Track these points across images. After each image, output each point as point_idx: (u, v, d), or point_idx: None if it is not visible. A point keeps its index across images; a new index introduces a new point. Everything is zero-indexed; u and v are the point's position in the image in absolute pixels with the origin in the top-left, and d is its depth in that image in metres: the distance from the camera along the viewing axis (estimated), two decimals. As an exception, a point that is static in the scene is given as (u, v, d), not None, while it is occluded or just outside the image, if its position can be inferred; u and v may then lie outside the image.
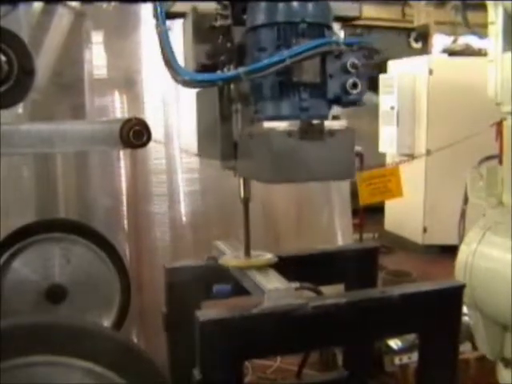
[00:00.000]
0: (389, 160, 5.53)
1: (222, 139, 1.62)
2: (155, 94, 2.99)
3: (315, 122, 1.41)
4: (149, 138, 1.97)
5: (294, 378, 2.16)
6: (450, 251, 4.84)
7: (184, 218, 3.17)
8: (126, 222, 3.06)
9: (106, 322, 2.24)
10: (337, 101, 1.49)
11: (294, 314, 1.47)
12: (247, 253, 1.79)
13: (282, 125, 1.41)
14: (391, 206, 5.66)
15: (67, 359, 1.16)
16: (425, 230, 5.23)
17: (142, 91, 2.99)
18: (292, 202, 3.34)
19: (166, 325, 1.91)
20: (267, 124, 1.42)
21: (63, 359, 1.15)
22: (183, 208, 3.16)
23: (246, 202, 1.78)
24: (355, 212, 4.10)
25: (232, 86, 1.60)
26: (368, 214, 5.21)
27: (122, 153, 2.98)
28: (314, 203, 3.47)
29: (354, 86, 1.46)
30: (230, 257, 1.81)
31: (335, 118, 1.49)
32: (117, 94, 2.99)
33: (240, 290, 1.71)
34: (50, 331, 1.17)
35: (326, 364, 2.91)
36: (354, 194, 3.78)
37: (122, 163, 3.04)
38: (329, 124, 1.43)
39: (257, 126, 1.48)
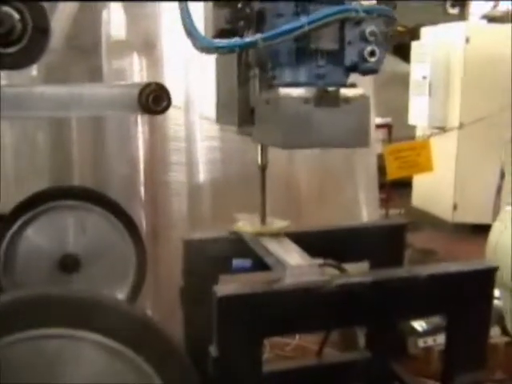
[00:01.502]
0: (419, 133, 5.47)
1: (240, 105, 1.67)
2: (175, 57, 2.97)
3: (330, 89, 1.46)
4: (168, 104, 1.96)
5: (314, 356, 2.17)
6: (482, 230, 4.80)
7: (203, 188, 3.17)
8: (142, 190, 3.08)
9: (120, 295, 2.25)
10: (354, 68, 1.54)
11: (317, 291, 1.46)
12: (263, 220, 1.84)
13: (297, 91, 1.46)
14: (420, 181, 5.60)
15: (80, 333, 1.17)
16: (455, 207, 5.18)
17: (162, 54, 2.97)
18: (315, 175, 3.32)
19: (183, 299, 1.92)
20: (283, 90, 1.47)
21: (76, 332, 1.16)
22: (202, 177, 3.16)
23: (263, 168, 1.84)
24: (382, 186, 4.07)
25: (250, 52, 1.63)
26: (395, 189, 5.17)
27: (139, 118, 2.98)
28: (339, 176, 3.45)
29: (372, 54, 1.50)
30: (245, 223, 1.86)
31: (352, 85, 1.54)
32: (135, 57, 2.97)
33: (260, 265, 1.71)
34: (63, 304, 1.18)
35: (347, 343, 2.92)
36: (381, 168, 3.75)
37: (140, 129, 3.05)
38: (344, 91, 1.48)
39: (273, 92, 1.52)
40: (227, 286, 1.47)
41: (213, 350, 1.44)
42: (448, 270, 1.57)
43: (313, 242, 1.76)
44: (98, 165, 3.00)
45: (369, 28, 1.48)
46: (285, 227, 1.83)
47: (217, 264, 1.83)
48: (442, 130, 4.89)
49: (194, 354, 1.71)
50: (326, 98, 1.45)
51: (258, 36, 1.45)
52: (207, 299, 1.53)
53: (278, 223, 1.86)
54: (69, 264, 2.23)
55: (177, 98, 2.64)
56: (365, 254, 2.04)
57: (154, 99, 1.92)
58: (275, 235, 1.80)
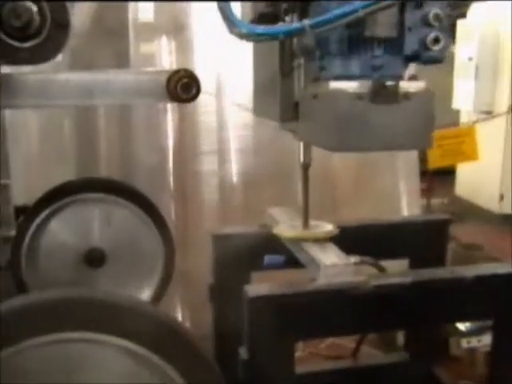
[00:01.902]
0: (464, 118, 5.38)
1: (282, 98, 1.58)
2: (206, 41, 2.96)
3: (389, 83, 1.35)
4: (198, 92, 1.95)
5: (350, 356, 2.15)
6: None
7: (234, 179, 3.17)
8: (171, 181, 3.09)
9: (148, 291, 2.27)
10: (414, 58, 1.42)
11: (353, 292, 1.45)
12: (305, 223, 1.76)
13: (350, 85, 1.35)
14: (464, 169, 5.52)
15: (103, 337, 1.17)
16: (501, 197, 5.09)
17: (192, 38, 2.97)
18: (352, 164, 3.29)
19: (212, 297, 1.92)
20: (334, 84, 1.36)
21: (99, 337, 1.17)
22: (234, 167, 3.16)
23: (305, 167, 1.75)
24: (423, 174, 4.01)
25: (295, 40, 1.52)
26: (437, 177, 5.10)
27: (168, 106, 2.99)
28: (377, 165, 3.41)
29: (436, 40, 1.38)
30: (286, 226, 1.78)
31: (412, 78, 1.43)
32: (164, 41, 2.97)
33: (293, 262, 1.70)
34: (85, 306, 1.18)
35: (385, 341, 2.90)
36: (422, 156, 3.70)
37: (169, 117, 3.05)
38: (404, 85, 1.36)
39: (322, 85, 1.43)
40: (259, 286, 1.47)
41: (243, 352, 1.45)
42: (496, 271, 1.54)
43: (349, 238, 1.74)
44: (125, 155, 3.02)
45: (432, 11, 1.36)
46: (331, 232, 1.73)
47: (248, 260, 1.83)
48: (489, 114, 4.80)
49: (224, 354, 1.73)
50: (384, 94, 1.34)
51: (306, 22, 1.34)
52: (238, 298, 1.53)
53: (322, 227, 1.77)
54: (94, 259, 2.25)
55: (208, 83, 2.65)
56: (404, 251, 2.02)
57: (183, 87, 1.91)
58: (319, 241, 1.70)
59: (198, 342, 1.23)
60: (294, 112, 1.58)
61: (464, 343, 2.82)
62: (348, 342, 2.75)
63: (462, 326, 2.80)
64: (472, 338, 2.82)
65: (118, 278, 2.23)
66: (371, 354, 2.63)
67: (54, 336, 1.15)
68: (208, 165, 3.12)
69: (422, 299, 1.51)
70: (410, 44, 1.39)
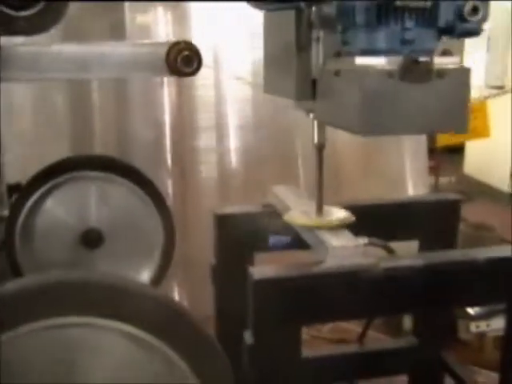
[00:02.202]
0: (474, 93, 5.37)
1: (298, 74, 1.52)
2: (204, 11, 2.94)
3: (422, 59, 1.28)
4: (199, 65, 1.94)
5: (355, 340, 2.17)
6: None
7: (233, 155, 3.18)
8: (168, 158, 3.10)
9: (147, 272, 2.28)
10: (448, 31, 1.35)
11: (362, 275, 1.45)
12: (319, 209, 1.69)
13: (378, 61, 1.28)
14: (473, 147, 5.53)
15: (103, 321, 1.17)
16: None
17: (189, 8, 2.95)
18: (356, 141, 3.28)
19: (214, 278, 1.93)
20: (360, 60, 1.30)
21: (99, 321, 1.17)
22: (233, 143, 3.17)
23: (320, 148, 1.68)
24: (431, 152, 4.01)
25: (314, 8, 1.45)
26: (445, 155, 5.10)
27: (165, 80, 2.98)
28: (383, 142, 3.41)
29: (475, 10, 1.30)
30: (297, 212, 1.73)
31: (445, 52, 1.36)
32: (160, 11, 2.96)
33: (299, 244, 1.70)
34: (84, 290, 1.18)
35: (391, 326, 2.92)
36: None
37: (165, 91, 3.05)
38: (438, 62, 1.30)
39: (345, 61, 1.37)
40: (264, 269, 1.47)
41: (247, 337, 1.45)
42: (509, 253, 1.53)
43: (355, 218, 1.75)
44: (121, 131, 3.02)
45: None
46: (346, 219, 1.67)
47: (252, 240, 1.83)
48: (501, 89, 4.78)
49: (226, 337, 1.74)
50: (416, 71, 1.27)
51: None
52: (241, 279, 1.54)
53: (336, 213, 1.71)
54: (91, 239, 2.25)
55: (205, 56, 2.64)
56: (414, 232, 2.02)
57: (184, 60, 1.90)
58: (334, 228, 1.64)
59: (202, 326, 1.24)
60: (312, 90, 1.52)
61: (473, 327, 2.85)
62: (352, 326, 2.77)
63: (471, 310, 2.83)
64: (481, 322, 2.85)
65: (116, 258, 2.23)
66: (378, 339, 2.65)
67: (52, 321, 1.15)
68: (206, 140, 3.13)
69: (433, 282, 1.51)
70: (445, 15, 1.31)
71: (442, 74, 1.29)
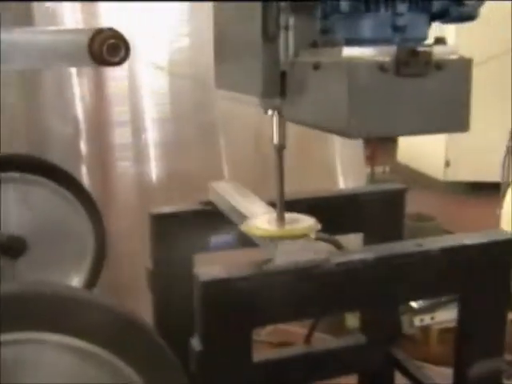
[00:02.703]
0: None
1: (264, 68, 1.41)
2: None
3: (422, 48, 1.19)
4: (127, 54, 1.93)
5: (303, 342, 2.21)
6: (478, 189, 4.91)
7: (152, 150, 3.17)
8: (85, 155, 3.06)
9: (78, 278, 2.25)
10: (442, 15, 1.30)
11: (314, 271, 1.48)
12: (280, 217, 1.63)
13: (367, 52, 1.20)
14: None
15: (44, 335, 1.16)
16: (447, 163, 5.28)
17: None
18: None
19: (152, 284, 1.93)
20: (347, 51, 1.21)
21: (38, 335, 1.15)
22: (151, 137, 3.16)
23: (280, 149, 1.62)
24: (366, 140, 4.10)
25: None
26: (378, 143, 5.22)
27: (73, 70, 2.94)
28: (315, 130, 3.47)
29: None
30: (256, 221, 1.65)
31: (439, 40, 1.25)
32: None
33: (243, 241, 1.73)
34: (19, 302, 1.15)
35: (333, 325, 2.98)
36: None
37: (76, 82, 3.00)
38: (436, 52, 1.21)
39: (325, 52, 1.29)
40: (211, 269, 1.47)
41: (195, 343, 1.45)
42: (463, 242, 1.59)
43: (300, 211, 1.78)
44: (31, 127, 2.95)
45: None
46: (312, 227, 1.59)
47: (191, 241, 1.84)
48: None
49: (168, 346, 1.74)
50: (413, 63, 1.17)
51: None
52: (182, 283, 1.55)
53: (300, 222, 1.64)
54: (13, 247, 2.20)
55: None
56: (357, 224, 2.08)
57: (110, 48, 1.89)
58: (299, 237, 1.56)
59: (156, 335, 1.24)
60: (280, 85, 1.43)
61: (417, 321, 2.94)
62: (292, 328, 2.81)
63: (414, 304, 2.92)
64: (425, 315, 2.94)
65: (42, 267, 2.20)
66: (322, 339, 2.69)
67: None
68: (122, 135, 3.11)
69: (387, 276, 1.56)
70: None
71: (440, 65, 1.21)
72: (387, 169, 5.78)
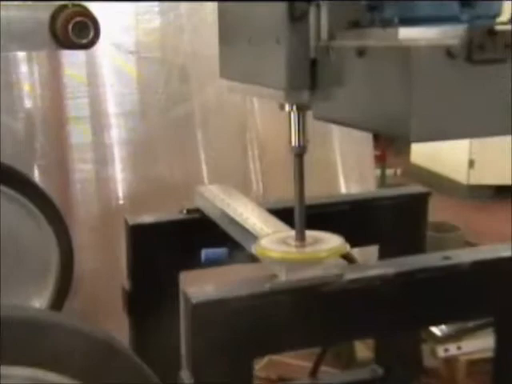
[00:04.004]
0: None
1: (291, 53, 1.36)
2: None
3: (500, 27, 1.11)
4: (96, 35, 1.95)
5: (308, 376, 2.23)
6: (507, 193, 4.91)
7: (116, 149, 3.18)
8: (39, 156, 3.06)
9: (40, 300, 2.26)
10: None
11: (324, 290, 1.50)
12: (300, 236, 1.62)
13: (429, 33, 1.16)
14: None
15: (11, 369, 1.16)
16: (471, 164, 5.29)
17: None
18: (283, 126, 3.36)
19: (130, 306, 1.94)
20: (404, 32, 1.16)
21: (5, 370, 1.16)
22: (115, 134, 3.16)
23: (300, 154, 1.59)
24: (375, 138, 4.12)
25: None
26: (389, 141, 5.24)
27: (23, 56, 2.94)
28: (320, 126, 3.49)
29: None
30: (270, 241, 1.64)
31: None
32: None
33: (239, 256, 1.75)
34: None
35: (341, 356, 2.99)
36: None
37: (25, 69, 3.00)
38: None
39: (375, 34, 1.25)
40: (203, 288, 1.48)
41: (185, 376, 1.46)
42: (499, 254, 1.61)
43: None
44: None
45: None
46: (341, 248, 1.59)
47: (177, 256, 1.86)
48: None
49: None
50: (490, 46, 1.09)
51: None
52: (168, 307, 1.56)
53: (327, 241, 1.63)
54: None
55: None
56: (373, 235, 2.11)
57: (76, 28, 1.90)
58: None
59: (141, 364, 1.25)
60: (310, 76, 1.38)
61: (441, 351, 2.92)
62: (289, 359, 2.83)
63: (436, 330, 2.91)
64: (450, 344, 2.93)
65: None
66: (331, 374, 2.70)
67: None
68: (81, 133, 3.11)
69: (407, 295, 1.59)
70: None
71: None
72: (399, 171, 5.81)
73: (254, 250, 1.62)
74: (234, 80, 1.65)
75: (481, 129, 1.19)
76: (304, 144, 1.58)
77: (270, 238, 1.66)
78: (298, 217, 1.61)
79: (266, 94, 1.48)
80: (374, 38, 1.21)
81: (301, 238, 1.61)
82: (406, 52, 1.10)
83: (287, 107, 1.51)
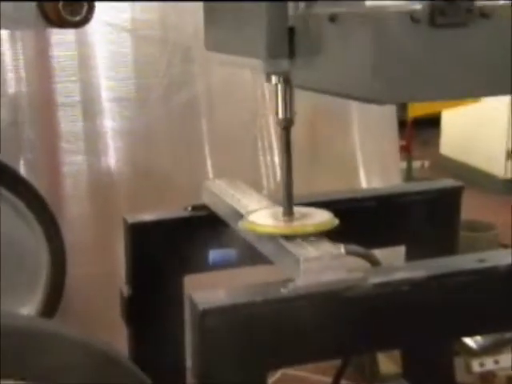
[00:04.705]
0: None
1: (270, 22, 1.50)
2: None
3: None
4: (91, 12, 1.96)
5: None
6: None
7: (111, 139, 3.19)
8: (26, 148, 3.07)
9: (30, 307, 2.27)
10: None
11: (346, 295, 1.50)
12: (288, 210, 1.74)
13: (396, 1, 1.28)
14: (453, 118, 5.69)
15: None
16: (509, 155, 5.28)
17: None
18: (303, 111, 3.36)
19: (128, 313, 1.95)
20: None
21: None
22: (109, 123, 3.17)
23: (287, 126, 1.73)
24: (400, 126, 4.12)
25: None
26: (415, 130, 5.24)
27: (5, 34, 2.95)
28: (339, 113, 3.50)
29: None
30: (257, 216, 1.75)
31: None
32: None
33: (251, 257, 1.76)
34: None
35: (361, 369, 3.00)
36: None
37: (8, 48, 3.01)
38: None
39: (346, 2, 1.36)
40: (212, 293, 1.49)
41: (192, 391, 1.48)
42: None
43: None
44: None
45: None
46: (330, 222, 1.71)
47: (181, 257, 1.88)
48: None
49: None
50: (452, 11, 1.23)
51: None
52: (172, 313, 1.57)
53: (313, 216, 1.75)
54: None
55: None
56: (398, 234, 2.12)
57: (67, 4, 1.91)
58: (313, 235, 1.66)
59: (144, 377, 1.27)
60: (288, 44, 1.51)
61: (476, 366, 2.92)
62: (303, 372, 2.85)
63: (471, 342, 2.91)
64: (487, 358, 2.92)
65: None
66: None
67: None
68: (71, 121, 3.12)
69: (438, 301, 1.58)
70: None
71: (486, 13, 1.27)
72: (427, 163, 5.81)
73: (241, 225, 1.73)
74: (218, 51, 1.78)
75: (443, 91, 1.32)
76: (291, 117, 1.71)
77: (257, 213, 1.77)
78: (285, 191, 1.74)
79: (248, 64, 1.66)
80: (346, 5, 1.35)
81: (289, 212, 1.73)
82: (371, 16, 1.26)
83: (274, 79, 1.62)
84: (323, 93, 1.52)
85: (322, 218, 1.73)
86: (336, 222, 1.70)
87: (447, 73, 1.29)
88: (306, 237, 1.63)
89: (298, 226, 1.69)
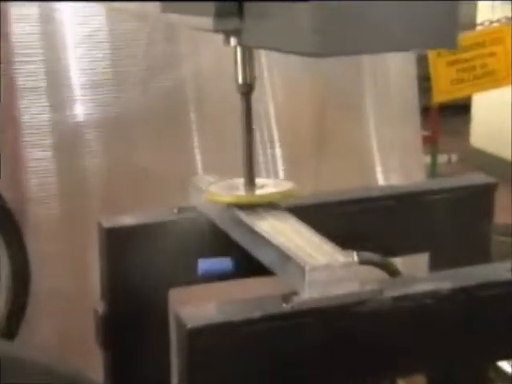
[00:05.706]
0: (483, 14, 5.54)
1: None
2: None
3: None
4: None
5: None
6: None
7: (85, 130, 3.20)
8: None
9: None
10: None
11: (359, 310, 1.51)
12: (249, 180, 1.91)
13: None
14: (484, 105, 5.71)
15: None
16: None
17: None
18: (315, 99, 3.38)
19: (104, 334, 1.95)
20: None
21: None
22: (81, 111, 3.19)
23: (247, 91, 1.90)
24: (423, 112, 4.12)
25: None
26: (441, 118, 5.25)
27: None
28: (350, 100, 3.51)
29: None
30: (219, 188, 1.91)
31: None
32: None
33: (247, 267, 1.77)
34: None
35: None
36: (423, 82, 3.80)
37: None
38: None
39: None
40: (201, 309, 1.50)
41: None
42: None
43: (331, 221, 1.82)
44: None
45: None
46: (291, 191, 1.88)
47: (167, 268, 1.88)
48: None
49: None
50: None
51: None
52: (154, 333, 1.57)
53: (275, 185, 1.92)
54: None
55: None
56: (422, 240, 2.13)
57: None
58: (272, 208, 1.83)
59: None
60: (238, 3, 1.63)
61: (512, 393, 2.95)
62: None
63: (507, 366, 2.93)
64: (525, 384, 2.95)
65: None
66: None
67: None
68: (37, 109, 3.13)
69: (468, 317, 1.59)
70: None
71: None
72: (455, 157, 5.82)
73: (205, 197, 1.90)
74: (172, 12, 1.86)
75: (384, 41, 1.42)
76: (251, 82, 1.89)
77: (219, 184, 1.95)
78: (245, 160, 1.93)
79: (198, 23, 1.72)
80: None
81: (250, 182, 1.91)
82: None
83: (233, 42, 1.72)
84: (274, 50, 1.69)
85: (285, 186, 1.91)
86: (297, 189, 1.90)
87: (385, 22, 1.39)
88: (309, 241, 1.67)
89: (260, 195, 1.87)
